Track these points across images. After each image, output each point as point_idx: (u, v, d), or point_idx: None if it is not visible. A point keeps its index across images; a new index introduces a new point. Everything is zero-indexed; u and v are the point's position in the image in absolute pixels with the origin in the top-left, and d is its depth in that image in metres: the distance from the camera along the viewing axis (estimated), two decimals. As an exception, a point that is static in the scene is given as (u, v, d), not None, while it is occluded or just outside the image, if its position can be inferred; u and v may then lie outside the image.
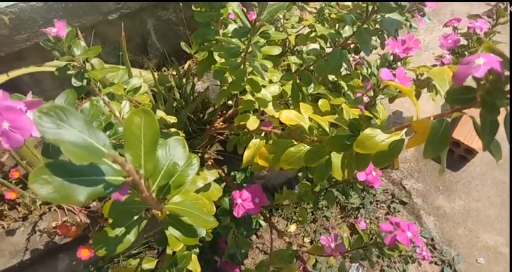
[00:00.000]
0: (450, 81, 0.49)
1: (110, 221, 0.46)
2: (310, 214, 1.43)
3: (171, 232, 0.50)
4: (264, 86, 0.85)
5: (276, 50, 0.67)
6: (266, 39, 0.61)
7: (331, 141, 0.59)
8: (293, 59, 0.87)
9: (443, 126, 0.48)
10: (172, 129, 1.10)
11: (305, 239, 1.41)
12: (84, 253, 0.97)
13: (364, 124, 0.56)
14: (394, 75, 0.55)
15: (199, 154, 1.24)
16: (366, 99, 0.71)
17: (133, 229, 0.40)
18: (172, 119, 1.09)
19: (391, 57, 0.62)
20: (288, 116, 0.73)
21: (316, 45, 0.82)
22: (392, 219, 0.70)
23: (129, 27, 1.36)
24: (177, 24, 1.45)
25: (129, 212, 0.40)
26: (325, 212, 1.44)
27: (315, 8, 1.14)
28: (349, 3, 1.06)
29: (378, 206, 1.49)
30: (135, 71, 1.28)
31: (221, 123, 1.17)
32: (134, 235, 0.40)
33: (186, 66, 1.53)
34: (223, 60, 0.72)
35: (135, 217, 0.41)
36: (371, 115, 0.56)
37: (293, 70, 0.92)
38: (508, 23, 1.26)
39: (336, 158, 0.70)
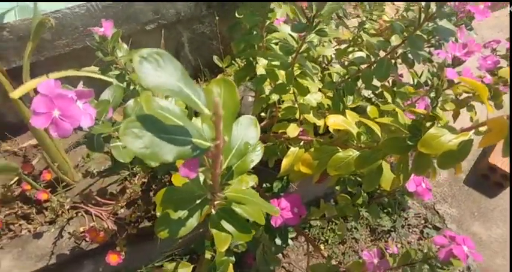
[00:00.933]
0: None
1: (159, 210, 0.43)
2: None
3: (225, 226, 0.47)
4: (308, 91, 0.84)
5: (329, 51, 0.66)
6: (322, 37, 0.60)
7: (389, 142, 0.56)
8: (337, 68, 0.86)
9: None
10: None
11: (332, 261, 1.35)
12: (113, 259, 0.94)
13: (425, 125, 0.53)
14: (459, 73, 0.52)
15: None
16: (419, 105, 0.69)
17: (196, 213, 0.37)
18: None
19: (450, 62, 0.60)
20: (335, 121, 0.71)
21: (362, 54, 0.81)
22: (446, 232, 0.65)
23: (164, 38, 1.37)
24: (211, 38, 1.47)
25: (191, 196, 0.38)
26: (354, 234, 1.38)
27: (355, 26, 1.14)
28: (392, 18, 1.06)
29: (410, 230, 1.42)
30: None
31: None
32: (197, 219, 0.37)
33: (217, 79, 1.53)
34: (267, 63, 0.71)
35: (198, 201, 0.38)
36: (434, 116, 0.53)
37: (334, 80, 0.91)
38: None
39: (385, 166, 0.67)
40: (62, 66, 1.28)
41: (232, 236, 0.47)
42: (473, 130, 0.51)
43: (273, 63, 0.66)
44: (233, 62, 1.51)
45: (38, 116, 0.53)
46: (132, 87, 0.92)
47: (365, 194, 0.85)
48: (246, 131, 0.36)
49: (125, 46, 0.91)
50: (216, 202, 0.46)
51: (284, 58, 0.64)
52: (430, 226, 1.42)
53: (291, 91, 0.76)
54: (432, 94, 0.55)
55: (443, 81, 0.53)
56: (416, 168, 0.55)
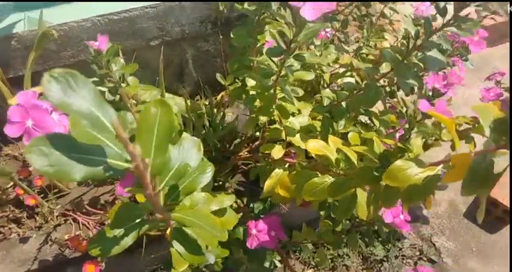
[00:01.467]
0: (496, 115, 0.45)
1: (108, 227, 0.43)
2: (330, 261, 1.34)
3: (176, 247, 0.47)
4: (293, 115, 0.84)
5: (309, 75, 0.66)
6: (300, 62, 0.60)
7: (359, 171, 0.56)
8: (326, 92, 0.86)
9: (486, 163, 0.43)
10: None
11: (321, 288, 1.32)
12: (89, 269, 0.93)
13: (396, 156, 0.52)
14: (433, 105, 0.51)
15: (220, 183, 1.22)
16: (398, 135, 0.68)
17: (132, 232, 0.37)
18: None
19: (430, 93, 0.59)
20: (315, 146, 0.71)
21: (351, 79, 0.81)
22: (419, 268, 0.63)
23: (168, 55, 1.40)
24: (215, 56, 1.49)
25: (130, 214, 0.38)
26: (345, 260, 1.35)
27: (354, 49, 1.14)
28: (389, 44, 1.05)
29: (404, 261, 1.38)
30: (168, 95, 1.30)
31: (246, 153, 1.15)
32: (132, 239, 0.37)
33: (219, 97, 1.55)
34: (254, 83, 0.71)
35: (137, 220, 0.38)
36: (404, 148, 0.52)
37: (325, 104, 0.90)
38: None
39: (361, 194, 0.66)
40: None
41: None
42: (441, 165, 0.50)
43: (254, 84, 0.67)
44: (236, 80, 1.53)
45: (12, 125, 0.55)
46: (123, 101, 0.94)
47: (347, 221, 0.84)
48: (188, 153, 0.36)
49: (121, 60, 0.93)
50: (172, 222, 0.46)
51: (264, 81, 0.65)
52: (425, 258, 1.37)
53: (275, 113, 0.76)
54: (407, 126, 0.54)
55: (416, 113, 0.52)
56: (384, 201, 0.54)
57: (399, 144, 0.52)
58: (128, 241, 0.37)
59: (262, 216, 0.85)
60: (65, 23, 1.15)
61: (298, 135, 0.88)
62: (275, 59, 0.64)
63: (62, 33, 1.16)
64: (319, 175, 0.71)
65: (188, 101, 1.37)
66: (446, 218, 1.50)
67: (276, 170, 0.87)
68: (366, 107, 0.78)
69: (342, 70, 1.12)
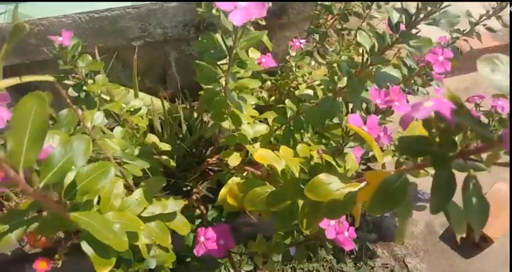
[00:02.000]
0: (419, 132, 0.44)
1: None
2: (296, 275, 1.32)
3: (85, 248, 0.46)
4: (252, 123, 0.83)
5: (254, 83, 0.65)
6: (244, 69, 0.59)
7: (287, 183, 0.54)
8: (288, 103, 0.84)
9: (400, 182, 0.42)
10: (164, 156, 1.08)
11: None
12: (41, 265, 0.92)
13: (323, 169, 0.51)
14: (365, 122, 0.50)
15: (189, 187, 1.21)
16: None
17: (18, 229, 0.36)
18: (165, 147, 1.07)
19: (373, 108, 0.58)
20: (262, 155, 0.69)
21: (310, 92, 0.80)
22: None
23: (151, 56, 1.40)
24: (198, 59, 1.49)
25: (20, 211, 0.37)
26: (313, 276, 1.32)
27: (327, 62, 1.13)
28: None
29: (374, 281, 1.35)
30: (146, 97, 1.30)
31: (215, 159, 1.14)
32: (17, 236, 0.36)
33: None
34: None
35: (25, 218, 0.37)
36: (331, 162, 0.51)
37: (288, 115, 0.89)
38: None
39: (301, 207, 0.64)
40: (46, 70, 1.32)
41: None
42: (364, 182, 0.48)
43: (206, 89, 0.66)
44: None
45: None
46: (90, 98, 0.93)
47: (300, 235, 0.82)
48: (76, 152, 0.35)
49: (89, 57, 0.93)
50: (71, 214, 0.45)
51: (210, 86, 0.64)
52: (395, 279, 1.35)
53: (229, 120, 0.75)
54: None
55: (347, 128, 0.51)
56: (310, 215, 0.52)
57: (325, 158, 0.51)
58: (12, 237, 0.36)
59: (214, 224, 0.83)
60: (45, 17, 1.16)
61: (258, 145, 0.87)
62: (224, 67, 0.63)
63: (42, 28, 1.17)
64: (266, 184, 0.69)
65: (167, 103, 1.37)
66: (422, 240, 1.47)
67: (233, 178, 0.86)
68: (323, 120, 0.76)
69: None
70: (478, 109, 1.24)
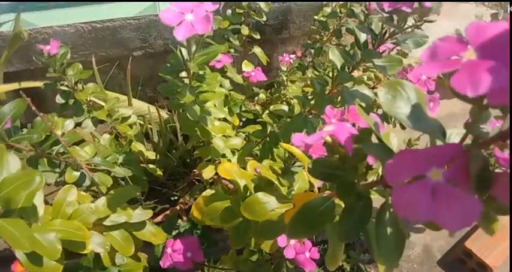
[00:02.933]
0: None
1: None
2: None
3: (18, 255, 0.46)
4: (228, 136, 0.83)
5: (217, 97, 0.65)
6: (201, 83, 0.60)
7: (233, 200, 0.54)
8: (265, 117, 0.84)
9: (326, 206, 0.41)
10: (151, 165, 1.10)
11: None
12: (20, 267, 0.94)
13: (264, 188, 0.50)
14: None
15: (176, 197, 1.21)
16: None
17: None
18: (152, 155, 1.09)
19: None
20: (226, 169, 0.69)
21: (285, 107, 0.79)
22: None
23: (152, 66, 1.43)
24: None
25: None
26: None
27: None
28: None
29: (363, 303, 1.31)
30: (143, 106, 1.32)
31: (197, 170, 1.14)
32: None
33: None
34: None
35: None
36: (274, 180, 0.50)
37: (268, 131, 0.89)
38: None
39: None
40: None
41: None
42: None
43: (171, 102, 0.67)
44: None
45: None
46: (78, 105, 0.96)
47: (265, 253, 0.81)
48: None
49: (80, 66, 0.96)
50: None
51: (174, 99, 0.64)
52: (385, 303, 1.29)
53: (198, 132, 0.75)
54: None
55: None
56: (251, 234, 0.52)
57: (265, 176, 0.50)
58: None
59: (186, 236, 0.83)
60: (49, 26, 1.21)
61: (235, 158, 0.86)
62: (185, 80, 0.63)
63: (46, 36, 1.22)
64: (229, 200, 0.69)
65: (164, 113, 1.39)
66: (418, 264, 1.41)
67: (207, 190, 0.85)
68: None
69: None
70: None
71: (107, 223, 0.69)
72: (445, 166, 0.25)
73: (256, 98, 1.22)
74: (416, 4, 0.52)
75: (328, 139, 0.31)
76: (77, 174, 0.74)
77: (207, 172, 0.83)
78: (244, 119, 1.16)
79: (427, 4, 0.52)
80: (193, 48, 0.54)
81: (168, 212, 1.02)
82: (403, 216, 0.26)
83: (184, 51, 0.59)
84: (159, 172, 1.09)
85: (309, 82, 0.96)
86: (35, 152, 0.75)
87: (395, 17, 0.58)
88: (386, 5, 0.52)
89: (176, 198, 1.20)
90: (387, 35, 0.59)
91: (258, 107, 1.24)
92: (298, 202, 0.43)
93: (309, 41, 1.24)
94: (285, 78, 1.11)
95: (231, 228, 0.62)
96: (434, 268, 1.40)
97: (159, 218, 1.00)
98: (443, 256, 1.43)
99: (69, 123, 0.73)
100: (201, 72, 0.58)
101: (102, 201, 0.69)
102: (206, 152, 0.81)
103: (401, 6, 0.52)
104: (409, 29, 0.58)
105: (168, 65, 0.59)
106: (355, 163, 0.32)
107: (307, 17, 1.38)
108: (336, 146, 0.31)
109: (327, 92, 0.69)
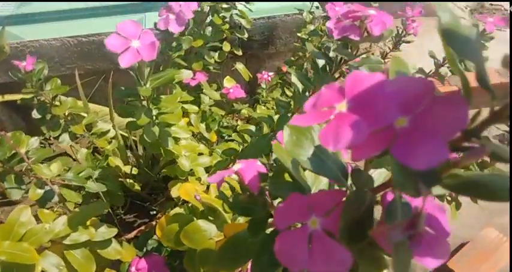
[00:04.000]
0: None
1: None
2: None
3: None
4: (201, 154, 0.83)
5: (175, 119, 0.65)
6: (156, 106, 0.60)
7: (179, 225, 0.54)
8: (234, 136, 0.84)
9: (252, 240, 0.40)
10: (129, 180, 1.10)
11: None
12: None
13: (206, 215, 0.50)
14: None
15: (155, 212, 1.21)
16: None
17: None
18: (129, 170, 1.09)
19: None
20: (187, 190, 0.69)
21: (252, 127, 0.79)
22: None
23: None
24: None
25: None
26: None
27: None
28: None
29: None
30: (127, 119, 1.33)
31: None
32: None
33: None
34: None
35: None
36: (218, 207, 0.50)
37: (240, 150, 0.89)
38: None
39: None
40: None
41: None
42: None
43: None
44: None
45: None
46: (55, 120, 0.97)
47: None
48: None
49: (58, 81, 0.97)
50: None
51: (132, 121, 0.65)
52: None
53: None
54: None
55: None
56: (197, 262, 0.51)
57: (206, 203, 0.50)
58: None
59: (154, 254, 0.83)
60: (36, 40, 1.22)
61: (205, 177, 0.86)
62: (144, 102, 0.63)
63: (33, 49, 1.24)
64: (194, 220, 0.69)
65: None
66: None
67: (176, 209, 0.85)
68: (257, 156, 0.75)
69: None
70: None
71: (66, 242, 0.69)
72: (326, 214, 0.25)
73: (239, 113, 1.23)
74: (365, 33, 0.52)
75: (235, 177, 0.31)
76: (41, 191, 0.74)
77: (175, 191, 0.83)
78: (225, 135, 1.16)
79: (376, 33, 0.52)
80: (146, 72, 0.55)
81: (143, 228, 1.02)
82: (283, 263, 0.25)
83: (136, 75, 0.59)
84: (137, 187, 1.09)
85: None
86: (2, 168, 0.75)
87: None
88: (335, 33, 0.52)
89: (155, 212, 1.20)
90: (343, 60, 0.59)
91: (240, 122, 1.24)
92: (228, 232, 0.43)
93: (292, 58, 1.24)
94: (264, 95, 1.12)
95: (186, 252, 0.61)
96: (420, 288, 1.37)
97: (132, 234, 1.00)
98: (428, 276, 1.40)
99: (34, 141, 0.73)
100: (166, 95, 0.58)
101: (62, 219, 0.69)
102: (173, 171, 0.81)
103: (350, 35, 0.51)
104: (364, 55, 0.58)
105: (123, 88, 0.59)
106: (264, 200, 0.32)
107: (292, 33, 1.39)
108: (243, 184, 0.31)
109: (290, 114, 0.69)
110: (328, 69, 0.62)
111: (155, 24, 0.72)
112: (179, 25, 0.68)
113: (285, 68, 1.33)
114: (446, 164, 0.21)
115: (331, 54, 0.61)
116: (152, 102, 0.59)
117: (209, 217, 0.49)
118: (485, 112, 0.22)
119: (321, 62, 0.62)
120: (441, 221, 0.26)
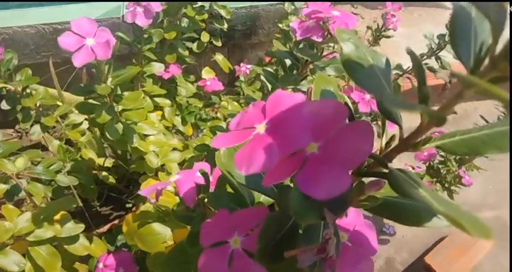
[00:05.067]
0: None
1: None
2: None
3: None
4: (175, 149, 0.82)
5: (139, 116, 0.64)
6: (118, 103, 0.59)
7: (138, 227, 0.53)
8: (206, 131, 0.83)
9: (196, 249, 0.40)
10: (104, 172, 1.08)
11: None
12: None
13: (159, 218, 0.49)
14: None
15: (131, 205, 1.20)
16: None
17: None
18: (107, 163, 1.08)
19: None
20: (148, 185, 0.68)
21: (223, 124, 0.78)
22: None
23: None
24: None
25: None
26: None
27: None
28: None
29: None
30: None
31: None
32: None
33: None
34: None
35: None
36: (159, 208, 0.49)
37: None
38: None
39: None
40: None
41: None
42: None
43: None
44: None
45: None
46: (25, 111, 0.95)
47: None
48: None
49: (29, 72, 0.95)
50: None
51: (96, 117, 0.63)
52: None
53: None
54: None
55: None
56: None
57: (159, 204, 0.49)
58: None
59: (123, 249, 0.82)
60: (9, 27, 1.19)
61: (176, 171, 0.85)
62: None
63: (7, 36, 1.20)
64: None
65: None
66: (381, 276, 1.41)
67: (146, 204, 0.84)
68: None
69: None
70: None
71: (30, 238, 0.68)
72: (248, 233, 0.24)
73: (219, 106, 1.21)
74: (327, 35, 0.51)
75: (171, 189, 0.30)
76: (6, 186, 0.73)
77: (146, 186, 0.82)
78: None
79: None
80: (106, 69, 0.53)
81: (116, 222, 1.01)
82: (204, 285, 0.25)
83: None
84: (112, 180, 1.08)
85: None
86: (-34, 163, 0.74)
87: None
88: (298, 34, 0.51)
89: (131, 205, 1.19)
90: (308, 61, 0.58)
91: (220, 115, 1.23)
92: (178, 238, 0.42)
93: (273, 50, 1.22)
94: (244, 87, 1.10)
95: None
96: (397, 282, 1.39)
97: (105, 228, 0.99)
98: (405, 269, 1.42)
99: (-4, 135, 0.71)
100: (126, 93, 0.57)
101: (26, 216, 0.68)
102: (141, 167, 0.80)
103: (312, 36, 0.50)
104: (330, 55, 0.57)
105: (82, 85, 0.57)
106: (203, 212, 0.31)
107: (275, 24, 1.37)
108: (178, 196, 0.30)
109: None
110: (295, 69, 0.60)
111: (122, 16, 0.70)
112: (147, 18, 0.66)
113: (267, 59, 1.31)
114: (355, 188, 0.20)
115: (299, 54, 0.60)
116: (114, 99, 0.58)
117: (165, 220, 0.49)
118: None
119: (288, 62, 0.61)
120: (369, 238, 0.26)
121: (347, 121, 0.20)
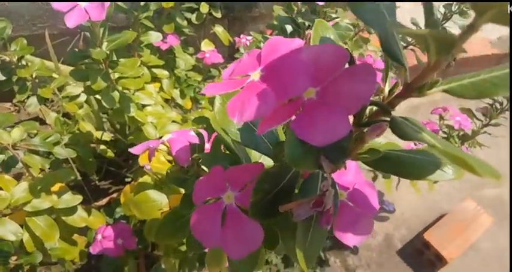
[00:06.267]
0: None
1: None
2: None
3: None
4: (174, 121, 0.81)
5: (136, 84, 0.62)
6: (115, 68, 0.57)
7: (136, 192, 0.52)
8: (205, 103, 0.82)
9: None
10: (102, 146, 1.08)
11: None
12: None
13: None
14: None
15: (130, 179, 1.20)
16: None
17: None
18: (105, 136, 1.07)
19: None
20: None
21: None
22: None
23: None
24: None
25: None
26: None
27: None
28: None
29: (318, 289, 1.32)
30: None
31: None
32: None
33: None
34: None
35: None
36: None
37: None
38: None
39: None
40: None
41: None
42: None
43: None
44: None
45: None
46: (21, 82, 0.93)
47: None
48: None
49: (24, 41, 0.93)
50: None
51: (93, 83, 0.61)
52: (340, 290, 1.31)
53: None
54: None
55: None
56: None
57: (154, 171, 0.48)
58: None
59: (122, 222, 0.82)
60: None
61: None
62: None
63: (1, 7, 1.17)
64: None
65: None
66: (377, 252, 1.42)
67: (145, 177, 0.84)
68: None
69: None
70: (442, 122, 1.18)
71: (27, 209, 0.68)
72: (242, 189, 0.23)
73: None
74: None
75: (164, 147, 0.29)
76: (2, 156, 0.72)
77: (143, 159, 0.81)
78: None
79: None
80: (100, 33, 0.51)
81: (115, 195, 1.01)
82: (197, 238, 0.24)
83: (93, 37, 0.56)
84: (110, 154, 1.07)
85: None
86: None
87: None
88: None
89: (130, 179, 1.19)
90: (310, 27, 0.56)
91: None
92: (173, 204, 0.41)
93: (273, 15, 1.19)
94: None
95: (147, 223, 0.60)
96: (393, 257, 1.41)
97: (103, 201, 0.99)
98: (404, 246, 1.43)
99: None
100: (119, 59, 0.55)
101: (23, 186, 0.67)
102: (139, 138, 0.79)
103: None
104: (335, 20, 0.55)
105: (76, 49, 0.56)
106: (197, 172, 0.30)
107: (276, -4, 1.33)
108: (171, 155, 0.29)
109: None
110: (296, 35, 0.58)
111: (117, -19, 0.68)
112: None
113: (269, 32, 1.28)
114: (355, 139, 0.19)
115: (300, 19, 0.58)
116: (110, 65, 0.56)
117: (162, 187, 0.48)
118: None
119: (289, 28, 0.59)
120: (369, 197, 0.25)
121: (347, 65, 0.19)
